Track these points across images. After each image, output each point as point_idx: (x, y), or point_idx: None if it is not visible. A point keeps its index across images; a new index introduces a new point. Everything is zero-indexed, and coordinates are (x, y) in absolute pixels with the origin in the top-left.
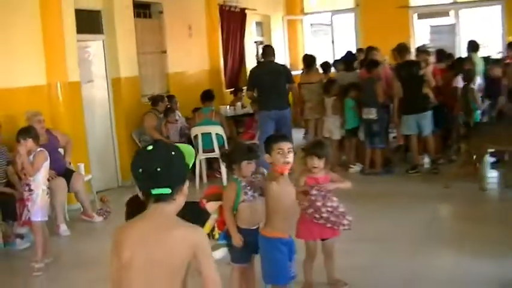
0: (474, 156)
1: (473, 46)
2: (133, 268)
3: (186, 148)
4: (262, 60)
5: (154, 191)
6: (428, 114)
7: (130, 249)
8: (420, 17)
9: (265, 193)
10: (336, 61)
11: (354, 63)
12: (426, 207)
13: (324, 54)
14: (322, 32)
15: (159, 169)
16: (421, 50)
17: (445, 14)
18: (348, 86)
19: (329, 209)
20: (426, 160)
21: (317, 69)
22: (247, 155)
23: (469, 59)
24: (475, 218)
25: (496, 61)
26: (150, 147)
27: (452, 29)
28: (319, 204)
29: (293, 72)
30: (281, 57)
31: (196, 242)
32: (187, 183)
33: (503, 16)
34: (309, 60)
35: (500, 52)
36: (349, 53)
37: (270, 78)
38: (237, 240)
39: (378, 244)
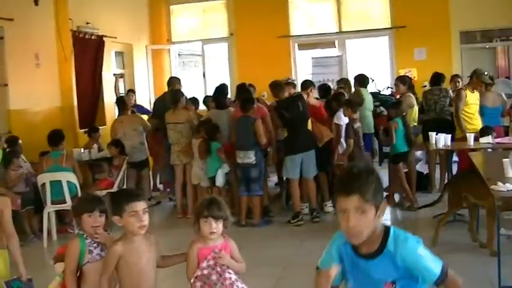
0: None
1: (360, 81)
2: None
3: None
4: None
5: None
6: (313, 154)
7: None
8: (302, 47)
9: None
10: (206, 97)
11: (226, 100)
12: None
13: (194, 88)
14: (192, 63)
15: None
16: (288, 83)
17: (331, 44)
18: (200, 123)
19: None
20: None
21: (186, 106)
22: (89, 206)
23: (356, 92)
24: None
25: (385, 102)
26: None
27: (338, 61)
28: (214, 278)
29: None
30: (145, 91)
31: None
32: None
33: (391, 48)
34: (175, 96)
35: (388, 87)
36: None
37: None
38: None
39: None
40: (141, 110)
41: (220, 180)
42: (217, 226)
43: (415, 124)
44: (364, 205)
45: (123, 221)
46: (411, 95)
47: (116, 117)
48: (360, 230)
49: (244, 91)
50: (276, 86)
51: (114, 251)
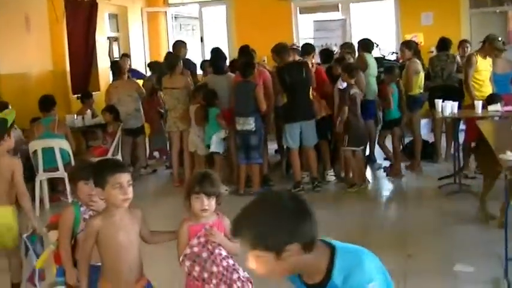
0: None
1: (364, 46)
2: None
3: None
4: None
5: None
6: (313, 123)
7: None
8: (304, 11)
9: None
10: (204, 61)
11: (224, 65)
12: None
13: (192, 53)
14: (190, 26)
15: None
16: (293, 49)
17: (334, 8)
18: (196, 88)
19: (221, 269)
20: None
21: (183, 71)
22: (85, 173)
23: (359, 57)
24: None
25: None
26: None
27: (342, 25)
28: (204, 256)
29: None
30: (140, 56)
31: None
32: None
33: (396, 12)
34: (172, 60)
35: (393, 53)
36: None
37: None
38: (71, 278)
39: None
40: (136, 75)
41: (214, 146)
42: (210, 203)
43: (421, 91)
44: (252, 251)
45: (105, 194)
46: (417, 60)
47: (111, 82)
48: (263, 274)
49: (246, 54)
50: (282, 49)
51: (92, 225)
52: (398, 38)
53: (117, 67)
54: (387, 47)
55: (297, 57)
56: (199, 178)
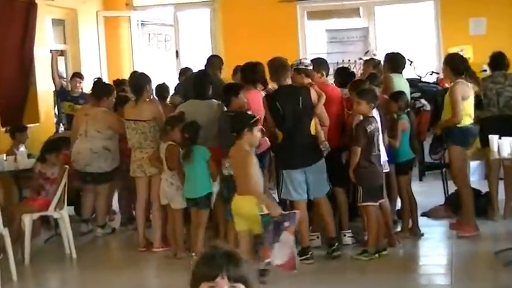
0: None
1: (392, 63)
2: None
3: None
4: None
5: None
6: (322, 165)
7: None
8: (313, 17)
9: None
10: (179, 85)
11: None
12: None
13: (165, 71)
14: (161, 36)
15: None
16: (298, 69)
17: (353, 13)
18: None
19: None
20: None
21: (153, 97)
22: None
23: (384, 79)
24: None
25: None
26: None
27: (363, 35)
28: None
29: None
30: (95, 73)
31: None
32: None
33: (437, 18)
34: (138, 82)
35: (433, 73)
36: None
37: None
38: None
39: None
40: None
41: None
42: None
43: (472, 121)
44: None
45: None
46: (464, 81)
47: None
48: None
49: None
50: (279, 67)
51: None
52: (439, 52)
53: (104, 90)
54: (424, 64)
55: (304, 80)
56: (216, 257)
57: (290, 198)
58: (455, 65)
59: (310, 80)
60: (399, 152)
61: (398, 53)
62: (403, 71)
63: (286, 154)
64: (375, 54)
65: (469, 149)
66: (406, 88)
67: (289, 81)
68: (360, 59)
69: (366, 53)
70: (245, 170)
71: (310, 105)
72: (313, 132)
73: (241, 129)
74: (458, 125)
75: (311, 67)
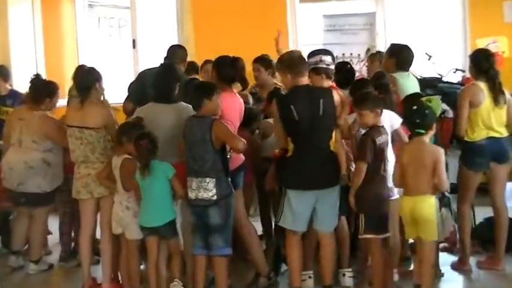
0: None
1: (397, 58)
2: None
3: None
4: None
5: None
6: (336, 192)
7: None
8: None
9: None
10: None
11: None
12: None
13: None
14: (115, 21)
15: None
16: (317, 69)
17: None
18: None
19: None
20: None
21: (104, 98)
22: None
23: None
24: None
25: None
26: None
27: (370, 22)
28: None
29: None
30: (29, 67)
31: None
32: None
33: (463, 3)
34: (85, 79)
35: (457, 70)
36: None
37: None
38: None
39: None
40: (19, 99)
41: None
42: None
43: (491, 136)
44: None
45: None
46: (479, 84)
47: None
48: None
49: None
50: (297, 59)
51: None
52: (465, 45)
53: (46, 89)
54: (447, 60)
55: (324, 82)
56: None
57: (286, 226)
58: (477, 62)
59: (331, 83)
60: None
61: (404, 45)
62: (410, 68)
63: (294, 170)
64: (379, 51)
65: (506, 165)
66: (415, 90)
67: (306, 81)
68: (368, 50)
69: (367, 50)
70: None
71: (333, 112)
72: (332, 148)
73: None
74: (468, 139)
75: (333, 66)
